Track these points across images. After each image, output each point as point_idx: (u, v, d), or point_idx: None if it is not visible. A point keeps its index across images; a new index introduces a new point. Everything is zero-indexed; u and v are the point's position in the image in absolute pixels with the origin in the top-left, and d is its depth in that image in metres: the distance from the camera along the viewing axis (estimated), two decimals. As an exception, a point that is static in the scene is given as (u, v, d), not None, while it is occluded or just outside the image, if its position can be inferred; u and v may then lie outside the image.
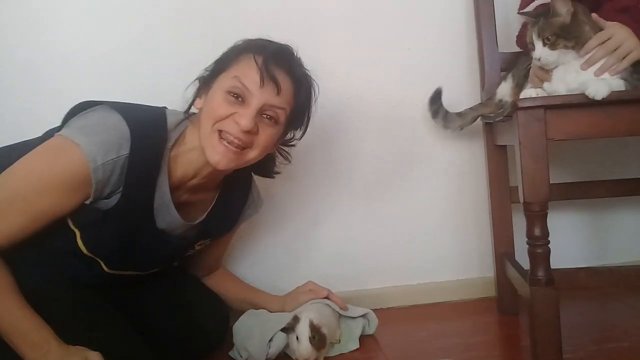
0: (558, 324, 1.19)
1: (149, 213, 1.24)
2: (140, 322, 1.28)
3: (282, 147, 1.39)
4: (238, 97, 1.18)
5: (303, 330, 1.30)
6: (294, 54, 1.27)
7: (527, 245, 1.23)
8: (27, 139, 1.29)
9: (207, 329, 1.43)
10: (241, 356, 1.41)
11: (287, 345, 1.38)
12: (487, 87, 1.65)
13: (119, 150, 1.12)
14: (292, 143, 1.38)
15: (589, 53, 1.23)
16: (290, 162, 1.44)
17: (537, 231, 1.21)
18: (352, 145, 1.78)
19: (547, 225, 1.21)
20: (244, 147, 1.20)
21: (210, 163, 1.20)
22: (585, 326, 1.52)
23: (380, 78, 1.77)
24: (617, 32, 1.22)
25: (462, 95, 1.77)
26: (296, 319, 1.33)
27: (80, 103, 1.21)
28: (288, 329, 1.35)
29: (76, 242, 1.19)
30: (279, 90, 1.19)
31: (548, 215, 1.21)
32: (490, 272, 1.75)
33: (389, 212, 1.82)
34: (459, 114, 1.64)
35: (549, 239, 1.22)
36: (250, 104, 1.17)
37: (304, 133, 1.36)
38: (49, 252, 1.20)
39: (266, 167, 1.41)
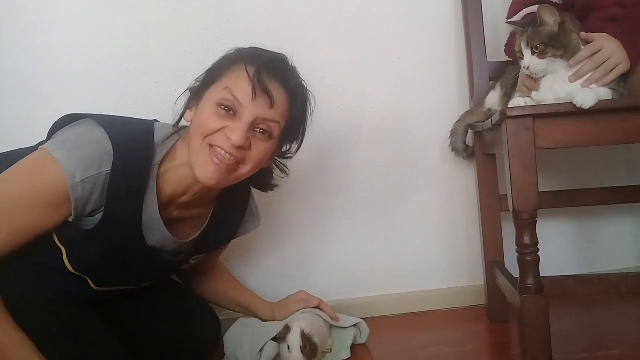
0: (548, 332, 1.19)
1: (136, 230, 1.19)
2: (131, 332, 1.27)
3: (279, 160, 1.35)
4: (229, 110, 1.12)
5: (294, 339, 1.30)
6: (288, 63, 1.22)
7: (517, 254, 1.24)
8: (18, 146, 1.26)
9: (198, 339, 1.42)
10: (232, 366, 1.40)
11: (278, 355, 1.38)
12: (476, 96, 1.66)
13: (100, 167, 1.07)
14: (288, 155, 1.33)
15: (579, 65, 1.24)
16: (288, 175, 1.39)
17: (526, 239, 1.22)
18: (342, 154, 1.78)
19: (536, 234, 1.22)
20: (235, 163, 1.15)
21: (200, 181, 1.14)
22: (575, 334, 1.52)
23: (370, 88, 1.78)
24: (606, 44, 1.24)
25: (451, 104, 1.79)
26: (287, 329, 1.33)
27: (66, 116, 1.18)
28: (279, 339, 1.35)
29: (62, 259, 1.16)
30: (272, 103, 1.14)
31: (537, 223, 1.22)
32: (480, 280, 1.76)
33: (379, 221, 1.82)
34: (452, 133, 1.69)
35: (538, 247, 1.22)
36: (242, 117, 1.12)
37: (299, 146, 1.31)
38: (36, 267, 1.17)
39: (263, 180, 1.37)
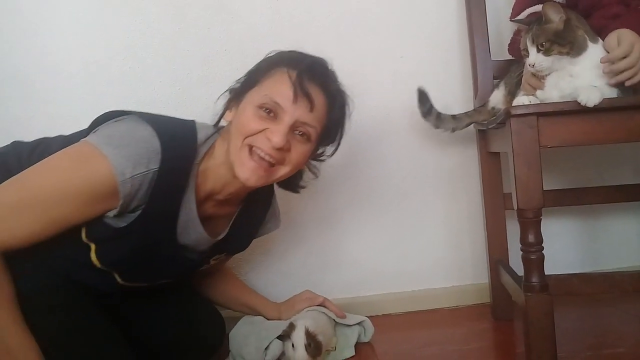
0: (552, 330, 1.20)
1: (171, 229, 1.20)
2: (136, 333, 1.27)
3: (312, 162, 1.35)
4: (270, 112, 1.14)
5: (299, 337, 1.30)
6: (328, 67, 1.24)
7: (521, 252, 1.24)
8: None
9: (204, 338, 1.43)
10: (237, 364, 1.41)
11: (283, 353, 1.38)
12: (480, 95, 1.66)
13: (148, 164, 1.08)
14: (322, 158, 1.34)
15: (613, 59, 1.21)
16: (317, 177, 1.39)
17: (530, 237, 1.22)
18: (345, 153, 1.77)
19: (540, 232, 1.22)
20: (274, 164, 1.17)
21: (240, 179, 1.16)
22: (580, 332, 1.52)
23: (373, 86, 1.78)
24: (636, 44, 1.21)
25: (455, 102, 1.79)
26: (292, 327, 1.33)
27: (108, 112, 1.18)
28: (284, 337, 1.35)
29: (90, 255, 1.16)
30: (312, 107, 1.16)
31: (542, 221, 1.22)
32: (484, 279, 1.76)
33: (382, 219, 1.82)
34: (454, 117, 1.65)
35: (542, 245, 1.22)
36: (283, 120, 1.14)
37: (336, 149, 1.32)
38: (62, 260, 1.16)
39: (293, 181, 1.37)
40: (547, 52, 1.24)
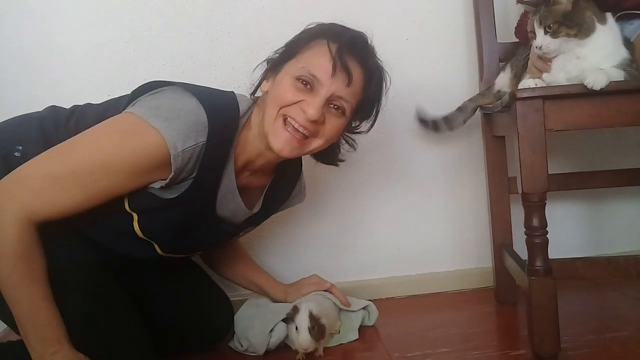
0: (556, 314, 1.20)
1: (212, 200, 1.22)
2: (147, 309, 1.28)
3: (349, 135, 1.35)
4: (307, 84, 1.14)
5: (302, 320, 1.30)
6: (368, 43, 1.23)
7: (525, 236, 1.24)
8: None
9: (214, 323, 1.44)
10: (242, 346, 1.42)
11: (287, 336, 1.39)
12: (486, 78, 1.65)
13: (197, 138, 1.08)
14: (358, 130, 1.34)
15: None
16: (355, 149, 1.40)
17: (535, 221, 1.21)
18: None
19: (545, 216, 1.22)
20: (308, 136, 1.18)
21: (274, 150, 1.17)
22: (583, 316, 1.52)
23: (379, 69, 1.76)
24: None
25: (460, 86, 1.78)
26: (295, 310, 1.34)
27: (149, 82, 1.18)
28: (288, 319, 1.36)
29: (132, 225, 1.16)
30: (349, 81, 1.16)
31: (546, 205, 1.22)
32: (488, 263, 1.76)
33: (387, 202, 1.82)
34: (459, 109, 1.64)
35: (547, 229, 1.22)
36: (319, 92, 1.14)
37: (372, 125, 1.32)
38: (101, 229, 1.16)
39: (331, 154, 1.37)
40: (554, 34, 1.22)
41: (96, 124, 1.11)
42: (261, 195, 1.35)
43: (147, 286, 1.38)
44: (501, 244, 1.65)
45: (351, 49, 1.17)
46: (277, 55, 1.23)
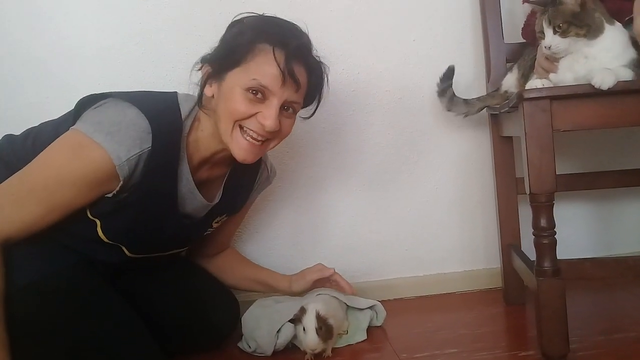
0: (565, 315, 1.19)
1: (172, 201, 1.25)
2: (150, 313, 1.30)
3: None
4: (258, 93, 1.16)
5: (310, 321, 1.31)
6: (310, 43, 1.24)
7: (534, 236, 1.24)
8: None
9: (216, 321, 1.44)
10: (250, 347, 1.42)
11: (295, 336, 1.39)
12: (493, 79, 1.65)
13: (141, 145, 1.12)
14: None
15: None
16: None
17: (543, 222, 1.21)
18: (358, 137, 1.78)
19: (553, 216, 1.22)
20: (267, 141, 1.22)
21: (237, 159, 1.21)
22: (592, 316, 1.52)
23: (386, 70, 1.77)
24: None
25: (467, 86, 1.77)
26: (303, 310, 1.34)
27: (88, 96, 1.21)
28: (295, 320, 1.36)
29: (96, 231, 1.21)
30: (298, 88, 1.20)
31: (554, 206, 1.21)
32: (496, 263, 1.76)
33: (395, 203, 1.82)
34: (466, 101, 1.64)
35: (555, 229, 1.22)
36: (272, 102, 1.17)
37: (314, 112, 1.35)
38: (71, 238, 1.21)
39: None
40: (564, 34, 1.22)
41: (52, 139, 1.16)
42: (221, 186, 1.38)
43: (145, 287, 1.40)
44: (509, 244, 1.65)
45: (297, 56, 1.18)
46: (214, 56, 1.23)
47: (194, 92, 1.29)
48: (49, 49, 1.63)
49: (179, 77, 1.65)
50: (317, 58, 1.27)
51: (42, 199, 1.11)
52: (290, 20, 1.24)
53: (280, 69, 1.14)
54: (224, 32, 1.26)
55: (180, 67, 1.66)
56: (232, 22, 1.25)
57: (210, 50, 1.25)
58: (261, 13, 1.25)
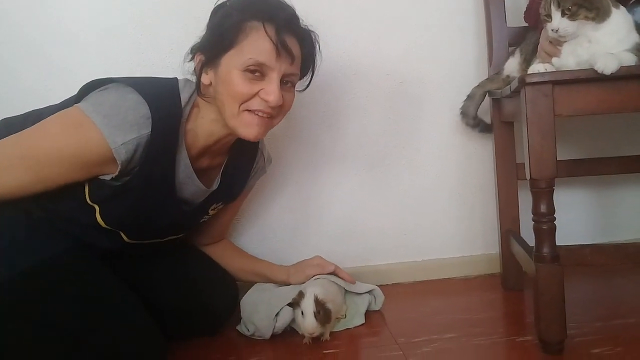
0: (562, 301, 1.19)
1: (170, 187, 1.25)
2: (148, 297, 1.29)
3: None
4: (256, 72, 1.16)
5: (308, 305, 1.31)
6: (297, 14, 1.24)
7: (533, 222, 1.23)
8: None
9: (214, 305, 1.45)
10: (248, 330, 1.43)
11: (293, 320, 1.39)
12: (495, 63, 1.63)
13: (139, 130, 1.12)
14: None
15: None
16: None
17: (543, 208, 1.21)
18: (359, 122, 1.77)
19: (553, 202, 1.21)
20: (273, 117, 1.23)
21: (246, 138, 1.22)
22: (590, 303, 1.52)
23: (387, 54, 1.75)
24: None
25: (469, 71, 1.76)
26: (301, 294, 1.34)
27: (92, 81, 1.21)
28: (294, 304, 1.36)
29: (95, 216, 1.21)
30: (293, 59, 1.20)
31: (554, 191, 1.21)
32: (495, 249, 1.76)
33: (395, 189, 1.82)
34: (469, 97, 1.64)
35: (554, 215, 1.21)
36: (272, 78, 1.17)
37: (309, 84, 1.36)
38: (69, 223, 1.22)
39: None
40: (572, 17, 1.19)
41: None
42: (219, 173, 1.38)
43: (143, 271, 1.40)
44: (508, 230, 1.65)
45: (287, 28, 1.18)
46: (205, 44, 1.22)
47: (193, 76, 1.29)
48: (48, 33, 1.61)
49: (177, 60, 1.61)
50: (306, 27, 1.27)
51: (31, 169, 1.11)
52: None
53: (274, 43, 1.15)
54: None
55: (179, 50, 1.62)
56: (215, 7, 1.24)
57: (199, 38, 1.25)
58: None
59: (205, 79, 1.22)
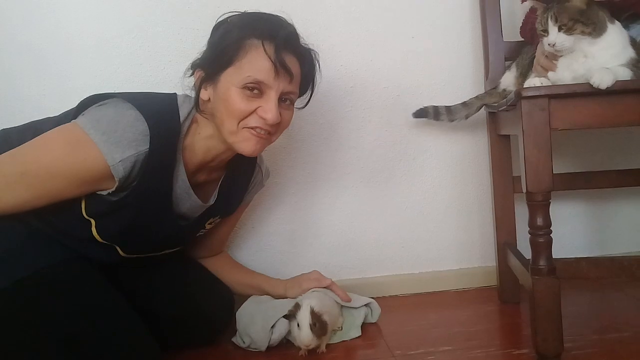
0: (559, 314, 1.20)
1: (166, 202, 1.25)
2: (145, 306, 1.30)
3: None
4: (254, 89, 1.17)
5: (304, 317, 1.31)
6: (296, 32, 1.25)
7: (529, 235, 1.24)
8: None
9: (211, 316, 1.44)
10: (244, 342, 1.42)
11: (289, 332, 1.39)
12: (492, 76, 1.64)
13: (138, 147, 1.12)
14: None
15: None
16: None
17: (539, 221, 1.21)
18: (355, 133, 1.78)
19: (549, 215, 1.21)
20: (271, 134, 1.24)
21: (244, 154, 1.23)
22: (587, 316, 1.52)
23: (384, 67, 1.76)
24: None
25: (466, 84, 1.78)
26: (297, 306, 1.34)
27: (92, 95, 1.21)
28: (290, 316, 1.36)
29: (91, 230, 1.21)
30: (292, 78, 1.20)
31: (551, 205, 1.21)
32: (492, 262, 1.76)
33: (391, 201, 1.82)
34: (465, 104, 1.64)
35: (551, 228, 1.22)
36: (270, 96, 1.18)
37: (308, 102, 1.36)
38: (64, 236, 1.22)
39: None
40: (569, 31, 1.20)
41: None
42: (216, 187, 1.38)
43: (140, 281, 1.39)
44: (505, 243, 1.65)
45: (286, 47, 1.19)
46: (205, 60, 1.23)
47: (192, 91, 1.29)
48: (47, 40, 1.62)
49: (175, 71, 1.64)
50: (306, 46, 1.27)
51: (31, 186, 1.11)
52: (274, 13, 1.25)
53: (272, 61, 1.15)
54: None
55: (177, 61, 1.65)
56: (216, 24, 1.26)
57: (200, 54, 1.26)
58: (243, 10, 1.26)
59: (204, 94, 1.23)
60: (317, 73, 1.32)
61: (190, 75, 1.26)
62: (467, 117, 1.65)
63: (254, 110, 1.18)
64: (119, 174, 1.11)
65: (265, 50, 1.16)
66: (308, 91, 1.34)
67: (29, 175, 1.10)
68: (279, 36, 1.18)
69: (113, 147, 1.10)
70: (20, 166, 1.11)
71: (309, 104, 1.37)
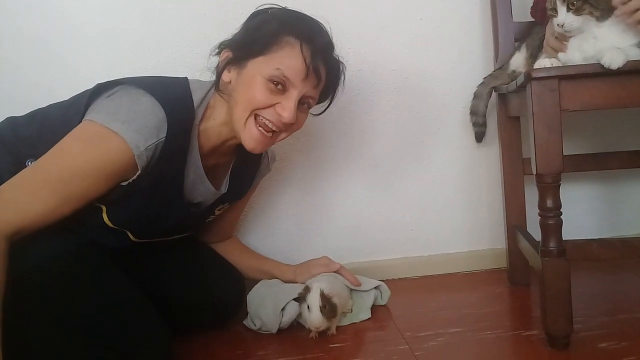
0: (569, 295, 1.20)
1: (178, 188, 1.25)
2: (156, 291, 1.31)
3: None
4: (279, 84, 1.17)
5: (314, 299, 1.32)
6: (333, 43, 1.26)
7: (539, 217, 1.23)
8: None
9: (222, 300, 1.46)
10: (255, 325, 1.43)
11: (299, 315, 1.40)
12: (501, 58, 1.63)
13: (158, 134, 1.12)
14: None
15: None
16: None
17: (549, 202, 1.21)
18: (363, 116, 1.77)
19: (559, 197, 1.21)
20: (279, 132, 1.23)
21: (246, 148, 1.22)
22: (597, 297, 1.52)
23: (393, 49, 1.75)
24: None
25: (475, 65, 1.76)
26: (307, 289, 1.35)
27: (99, 84, 1.20)
28: (300, 299, 1.37)
29: (102, 216, 1.21)
30: (319, 83, 1.21)
31: (561, 186, 1.21)
32: (501, 244, 1.76)
33: (401, 184, 1.82)
34: (476, 96, 1.64)
35: (561, 210, 1.21)
36: (292, 94, 1.18)
37: (326, 109, 1.37)
38: (75, 222, 1.20)
39: None
40: (577, 12, 1.19)
41: (61, 122, 1.16)
42: (227, 174, 1.39)
43: (151, 266, 1.40)
44: (515, 225, 1.65)
45: (324, 55, 1.21)
46: (236, 43, 1.23)
47: (199, 76, 1.29)
48: (53, 28, 1.61)
49: (182, 57, 1.65)
50: (337, 57, 1.28)
51: (57, 190, 1.09)
52: (314, 17, 1.24)
53: (306, 64, 1.16)
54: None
55: (184, 47, 1.65)
56: (255, 11, 1.26)
57: (231, 35, 1.26)
58: (284, 6, 1.25)
59: (227, 76, 1.23)
60: (340, 85, 1.33)
61: (216, 54, 1.26)
62: (486, 106, 1.66)
63: (272, 105, 1.18)
64: (142, 162, 1.11)
65: (302, 52, 1.16)
66: (327, 101, 1.34)
67: (52, 180, 1.08)
68: (318, 42, 1.19)
69: (136, 135, 1.09)
70: (42, 173, 1.10)
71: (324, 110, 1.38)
